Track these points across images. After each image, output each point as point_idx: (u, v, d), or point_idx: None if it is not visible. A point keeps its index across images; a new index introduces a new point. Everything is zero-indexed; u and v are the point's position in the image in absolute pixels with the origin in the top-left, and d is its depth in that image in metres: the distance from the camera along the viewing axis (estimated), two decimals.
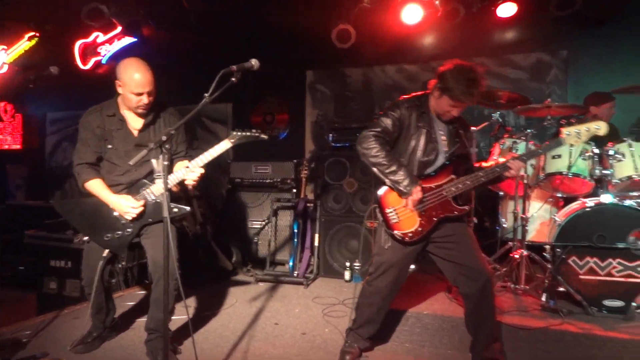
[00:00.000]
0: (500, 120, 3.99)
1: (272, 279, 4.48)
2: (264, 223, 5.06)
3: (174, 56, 6.23)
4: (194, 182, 2.60)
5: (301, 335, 3.15)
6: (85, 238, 2.72)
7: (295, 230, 4.63)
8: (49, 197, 7.31)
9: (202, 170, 2.59)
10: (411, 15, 4.91)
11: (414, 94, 2.61)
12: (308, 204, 4.74)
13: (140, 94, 2.58)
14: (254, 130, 2.71)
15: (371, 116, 5.56)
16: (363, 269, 4.58)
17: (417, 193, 2.39)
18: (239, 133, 2.66)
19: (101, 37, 6.97)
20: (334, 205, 4.76)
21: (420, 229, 2.46)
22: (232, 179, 5.23)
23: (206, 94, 2.14)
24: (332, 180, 4.78)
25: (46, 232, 4.53)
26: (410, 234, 2.46)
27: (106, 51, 6.96)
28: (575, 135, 2.43)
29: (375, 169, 2.45)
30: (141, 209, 2.64)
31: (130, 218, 2.64)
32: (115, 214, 2.66)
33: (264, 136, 2.73)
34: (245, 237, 5.12)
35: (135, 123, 2.73)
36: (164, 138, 2.07)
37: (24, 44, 7.56)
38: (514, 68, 5.03)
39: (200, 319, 3.43)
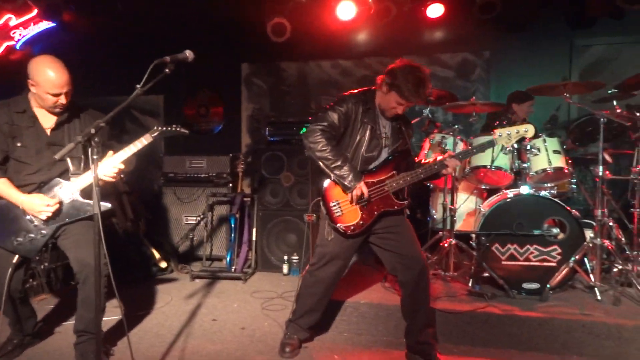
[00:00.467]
0: (430, 116, 4.19)
1: (209, 275, 4.40)
2: (199, 218, 4.94)
3: (97, 45, 5.88)
4: (112, 179, 2.49)
5: (240, 330, 3.13)
6: None
7: (232, 225, 4.57)
8: None
9: (121, 166, 2.49)
10: (345, 11, 4.99)
11: (360, 89, 2.65)
12: (245, 199, 4.70)
13: (57, 95, 2.44)
14: (174, 126, 2.64)
15: (307, 110, 5.63)
16: (301, 262, 4.63)
17: (360, 188, 2.46)
18: (160, 128, 2.58)
19: (14, 20, 6.42)
20: (271, 199, 4.75)
21: (362, 222, 2.53)
22: (165, 173, 5.04)
23: (138, 85, 2.07)
24: (269, 174, 4.76)
25: None
26: (352, 227, 2.52)
27: (20, 36, 6.42)
28: (507, 137, 2.62)
29: (320, 163, 2.49)
30: (56, 206, 2.49)
31: (45, 217, 2.48)
32: (28, 216, 2.49)
33: (184, 131, 2.67)
34: (179, 233, 4.99)
35: (47, 121, 2.58)
36: (92, 131, 1.96)
37: None
38: (442, 67, 5.29)
39: (134, 319, 3.29)
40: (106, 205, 2.54)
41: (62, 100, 2.46)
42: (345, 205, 2.54)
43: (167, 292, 3.98)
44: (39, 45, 6.48)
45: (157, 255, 4.60)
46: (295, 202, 4.69)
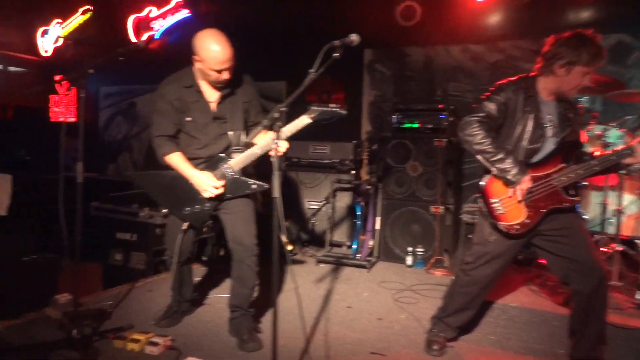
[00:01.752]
0: (587, 105, 3.78)
1: (334, 260, 4.45)
2: (321, 204, 5.02)
3: (231, 33, 6.14)
4: (280, 154, 2.52)
5: (378, 321, 3.11)
6: (165, 211, 2.72)
7: (359, 213, 4.55)
8: (103, 170, 7.45)
9: (285, 144, 2.49)
10: None
11: (517, 76, 2.45)
12: (369, 187, 4.66)
13: (220, 71, 2.51)
14: (332, 105, 2.52)
15: (432, 98, 5.41)
16: (425, 254, 4.51)
17: (526, 182, 2.28)
18: (318, 108, 2.49)
19: (154, 11, 6.95)
20: (396, 188, 4.67)
21: (527, 221, 2.33)
22: (289, 157, 5.18)
23: (311, 70, 2.10)
24: (395, 162, 4.68)
25: (112, 205, 4.59)
26: (516, 226, 2.34)
27: (159, 26, 6.94)
28: None
29: (480, 157, 2.34)
30: (221, 190, 2.60)
31: (208, 196, 2.60)
32: (195, 189, 2.64)
33: (342, 111, 2.58)
34: (302, 217, 5.10)
35: (211, 95, 2.67)
36: (276, 115, 2.00)
37: (78, 18, 7.63)
38: None
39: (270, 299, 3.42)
40: (263, 185, 2.64)
41: (225, 76, 2.53)
42: (508, 202, 2.36)
43: (297, 275, 4.09)
44: (175, 34, 6.97)
45: (284, 238, 4.74)
46: (421, 192, 4.56)
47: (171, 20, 6.88)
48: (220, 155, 2.66)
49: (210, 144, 2.67)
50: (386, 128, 5.04)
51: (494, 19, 5.15)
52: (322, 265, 4.44)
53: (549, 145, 2.39)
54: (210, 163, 2.66)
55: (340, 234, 5.01)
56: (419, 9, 4.90)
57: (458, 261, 4.43)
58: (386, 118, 5.24)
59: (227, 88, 2.65)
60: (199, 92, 2.63)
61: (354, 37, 2.16)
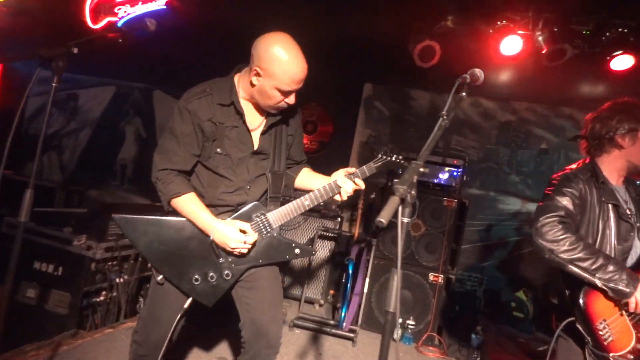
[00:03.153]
0: None
1: (312, 327, 3.64)
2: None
3: (216, 37, 5.32)
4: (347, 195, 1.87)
5: None
6: (159, 278, 1.82)
7: (350, 272, 3.82)
8: (20, 168, 6.12)
9: (361, 185, 1.89)
10: (510, 46, 4.29)
11: (575, 164, 2.04)
12: (361, 242, 3.98)
13: (289, 93, 1.75)
14: (399, 158, 1.99)
15: (434, 150, 4.91)
16: (416, 329, 3.85)
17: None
18: (384, 157, 1.96)
19: None
20: (392, 247, 4.02)
21: (639, 345, 1.75)
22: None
23: (443, 113, 1.57)
24: (393, 217, 4.03)
25: (35, 224, 3.49)
26: (630, 356, 1.75)
27: (125, 13, 5.93)
28: None
29: (572, 268, 1.77)
30: (248, 247, 1.81)
31: (239, 253, 1.80)
32: (216, 248, 1.81)
33: (406, 165, 1.99)
34: None
35: (254, 120, 1.87)
36: (414, 179, 1.28)
37: None
38: None
39: None
40: (310, 250, 1.95)
41: (292, 100, 1.78)
42: (616, 324, 1.78)
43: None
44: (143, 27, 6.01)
45: None
46: (421, 255, 3.95)
47: (141, 9, 5.90)
48: (255, 203, 1.86)
49: (243, 188, 1.86)
50: (380, 173, 4.43)
51: (514, 76, 4.80)
52: (298, 330, 3.62)
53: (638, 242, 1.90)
54: (239, 214, 1.84)
55: (314, 290, 4.25)
56: (438, 51, 4.41)
57: (454, 341, 3.83)
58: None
59: (278, 114, 1.87)
60: (240, 114, 1.82)
61: (479, 74, 1.66)
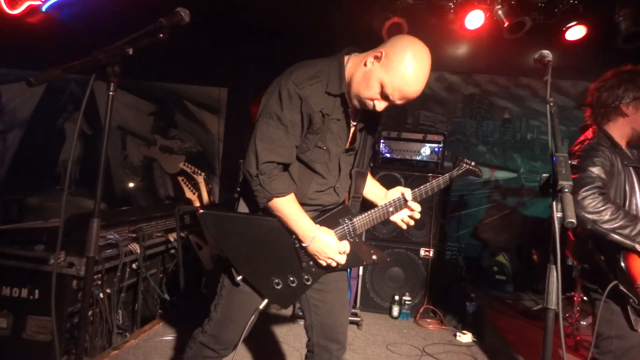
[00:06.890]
0: None
1: None
2: None
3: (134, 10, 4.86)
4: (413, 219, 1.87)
5: None
6: (239, 278, 1.63)
7: None
8: None
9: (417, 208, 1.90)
10: (474, 20, 4.40)
11: (589, 130, 2.09)
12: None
13: (386, 99, 1.57)
14: (473, 164, 1.93)
15: (402, 125, 4.95)
16: (412, 304, 3.93)
17: None
18: (466, 166, 1.91)
19: None
20: (381, 226, 4.03)
21: None
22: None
23: (550, 98, 1.48)
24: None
25: None
26: None
27: None
28: None
29: (614, 236, 1.85)
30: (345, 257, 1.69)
31: (331, 264, 1.67)
32: (302, 253, 1.67)
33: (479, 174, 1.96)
34: None
35: (354, 114, 1.70)
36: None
37: None
38: (561, 94, 4.82)
39: None
40: (383, 256, 1.93)
41: (380, 106, 1.60)
42: None
43: (274, 334, 3.14)
44: (70, 9, 5.37)
45: None
46: (411, 232, 4.00)
47: None
48: (344, 206, 1.74)
49: (333, 186, 1.71)
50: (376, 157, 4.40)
51: (475, 50, 4.94)
52: (302, 321, 3.53)
53: None
54: (326, 217, 1.70)
55: None
56: (406, 27, 4.40)
57: (452, 310, 3.96)
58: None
59: (370, 111, 1.68)
60: (346, 106, 1.64)
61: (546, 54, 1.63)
